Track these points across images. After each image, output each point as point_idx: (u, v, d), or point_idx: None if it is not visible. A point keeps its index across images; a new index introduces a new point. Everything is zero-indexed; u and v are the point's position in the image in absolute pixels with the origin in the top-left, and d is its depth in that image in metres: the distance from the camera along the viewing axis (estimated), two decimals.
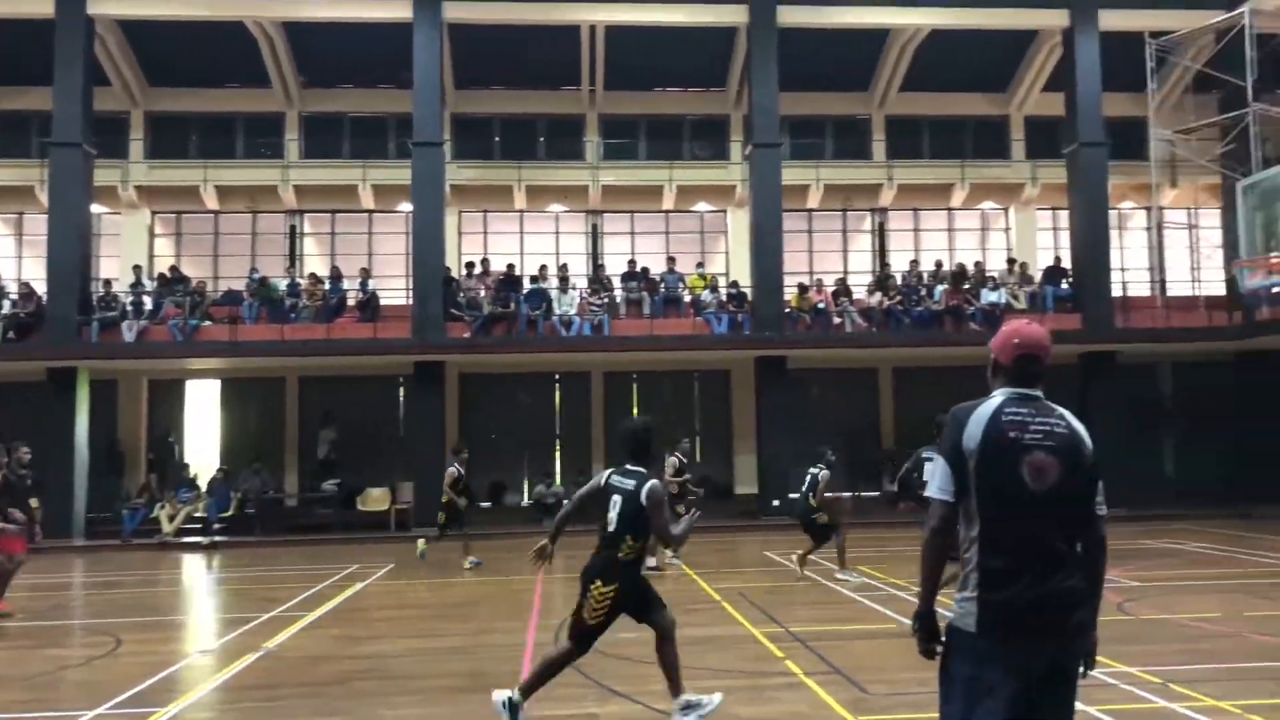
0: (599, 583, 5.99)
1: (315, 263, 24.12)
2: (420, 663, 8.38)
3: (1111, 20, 22.43)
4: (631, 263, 23.47)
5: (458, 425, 22.94)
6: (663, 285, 22.89)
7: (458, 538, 15.33)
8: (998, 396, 3.39)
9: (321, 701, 7.10)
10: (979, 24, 22.54)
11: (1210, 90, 23.65)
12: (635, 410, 24.17)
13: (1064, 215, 24.27)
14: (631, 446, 6.29)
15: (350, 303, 22.34)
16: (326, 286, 22.40)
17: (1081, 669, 3.30)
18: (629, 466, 6.20)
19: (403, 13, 21.48)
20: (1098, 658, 3.38)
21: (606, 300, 22.29)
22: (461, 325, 21.34)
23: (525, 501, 23.32)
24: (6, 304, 21.54)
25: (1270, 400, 21.94)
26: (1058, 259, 23.93)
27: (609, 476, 6.25)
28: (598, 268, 23.71)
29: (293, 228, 24.66)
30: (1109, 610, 10.02)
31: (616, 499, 6.09)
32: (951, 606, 3.32)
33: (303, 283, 22.57)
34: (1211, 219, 25.31)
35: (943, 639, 3.35)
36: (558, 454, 24.06)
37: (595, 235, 25.20)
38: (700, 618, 10.12)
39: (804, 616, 10.16)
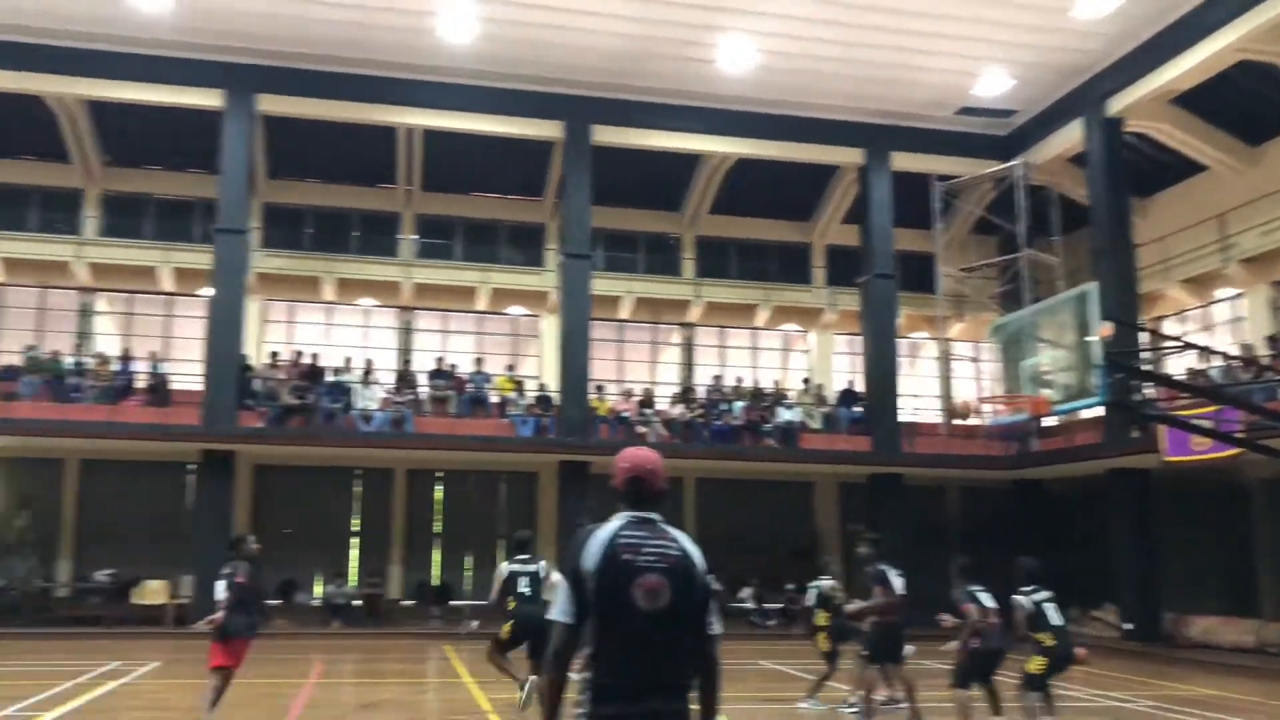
0: None
1: (109, 343, 23.18)
2: None
3: (902, 161, 24.00)
4: (439, 360, 23.42)
5: (249, 518, 22.15)
6: (470, 385, 22.90)
7: None
8: (616, 520, 3.60)
9: None
10: (783, 155, 23.78)
11: (990, 233, 25.56)
12: (439, 510, 23.81)
13: (860, 341, 25.21)
14: None
15: (140, 385, 21.48)
16: (115, 367, 21.58)
17: None
18: None
19: (214, 101, 21.31)
20: None
21: (411, 397, 22.12)
22: (255, 415, 20.78)
23: (315, 601, 22.47)
24: None
25: (1044, 525, 23.14)
26: (850, 383, 25.04)
27: None
28: (405, 364, 23.54)
29: (85, 306, 23.74)
30: None
31: None
32: None
33: (90, 361, 21.64)
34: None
35: None
36: (354, 552, 23.40)
37: (406, 332, 25.10)
38: None
39: None
